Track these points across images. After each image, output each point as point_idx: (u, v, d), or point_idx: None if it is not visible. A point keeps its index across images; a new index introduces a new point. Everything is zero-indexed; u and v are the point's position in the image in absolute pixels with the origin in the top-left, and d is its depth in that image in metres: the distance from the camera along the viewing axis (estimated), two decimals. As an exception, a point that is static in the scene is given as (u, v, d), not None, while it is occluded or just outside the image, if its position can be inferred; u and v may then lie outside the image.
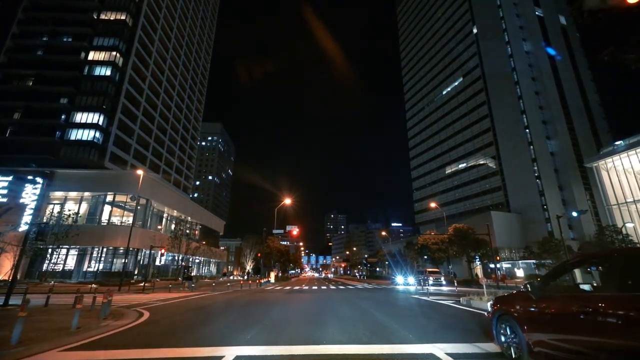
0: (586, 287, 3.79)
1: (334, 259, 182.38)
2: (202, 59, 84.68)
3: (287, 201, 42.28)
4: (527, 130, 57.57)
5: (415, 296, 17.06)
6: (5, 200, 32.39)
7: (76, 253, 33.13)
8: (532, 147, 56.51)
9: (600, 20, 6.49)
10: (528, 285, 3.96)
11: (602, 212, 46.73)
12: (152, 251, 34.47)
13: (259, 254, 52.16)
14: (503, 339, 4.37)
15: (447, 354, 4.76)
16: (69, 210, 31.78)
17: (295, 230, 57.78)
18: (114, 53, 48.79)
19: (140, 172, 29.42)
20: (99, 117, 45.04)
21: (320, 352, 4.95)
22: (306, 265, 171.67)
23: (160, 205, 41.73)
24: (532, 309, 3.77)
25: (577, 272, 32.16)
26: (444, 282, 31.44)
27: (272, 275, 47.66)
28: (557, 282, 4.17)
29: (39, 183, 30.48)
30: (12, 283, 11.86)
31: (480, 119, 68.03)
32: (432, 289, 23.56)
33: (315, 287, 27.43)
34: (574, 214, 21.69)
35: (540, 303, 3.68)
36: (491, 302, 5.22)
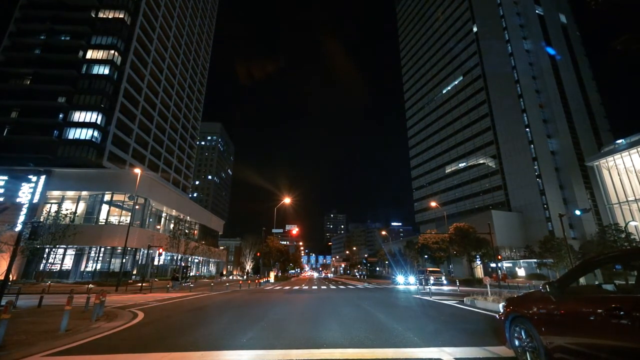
0: (609, 287, 3.50)
1: (333, 259, 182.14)
2: (201, 58, 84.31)
3: (287, 200, 41.99)
4: (528, 129, 57.32)
5: (417, 296, 16.78)
6: (1, 199, 32.15)
7: (74, 253, 32.79)
8: (532, 145, 56.27)
9: (615, 6, 6.21)
10: (547, 285, 3.67)
11: (603, 211, 46.55)
12: (150, 251, 34.15)
13: (258, 254, 51.86)
14: (517, 343, 4.07)
15: (456, 359, 4.48)
16: (67, 210, 31.54)
17: (294, 230, 57.38)
18: (113, 52, 48.43)
19: (138, 171, 29.06)
20: (97, 116, 44.68)
21: (321, 357, 4.65)
22: (306, 265, 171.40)
23: (159, 204, 41.40)
24: (552, 311, 3.47)
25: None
26: (445, 282, 31.20)
27: (272, 275, 47.40)
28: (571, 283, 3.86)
29: (33, 181, 30.16)
30: (3, 283, 11.54)
31: (480, 117, 67.78)
32: (433, 288, 23.30)
33: (315, 287, 27.16)
34: (577, 212, 21.39)
35: (562, 304, 3.38)
36: (503, 303, 4.93)
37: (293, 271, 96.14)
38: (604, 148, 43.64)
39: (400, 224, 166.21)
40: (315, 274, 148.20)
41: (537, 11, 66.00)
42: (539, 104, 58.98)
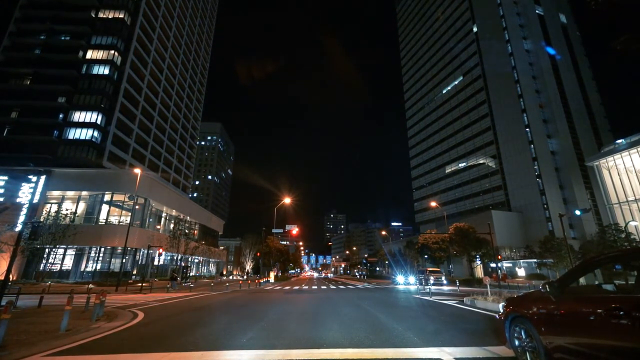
0: (609, 287, 3.50)
1: (333, 259, 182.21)
2: (201, 58, 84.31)
3: (287, 200, 41.98)
4: (528, 129, 57.32)
5: (417, 296, 16.78)
6: (2, 199, 32.15)
7: (74, 253, 32.79)
8: (532, 145, 56.27)
9: (615, 5, 6.21)
10: (547, 285, 3.67)
11: (603, 211, 46.56)
12: (150, 251, 34.15)
13: (258, 254, 51.87)
14: (517, 342, 4.08)
15: (456, 359, 4.48)
16: (67, 210, 31.52)
17: (294, 230, 57.36)
18: (113, 52, 48.44)
19: (138, 171, 29.06)
20: (97, 116, 44.68)
21: (321, 357, 4.66)
22: (306, 265, 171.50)
23: (159, 204, 41.40)
24: (552, 311, 3.47)
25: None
26: (445, 282, 31.20)
27: (272, 275, 47.40)
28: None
29: (33, 181, 30.15)
30: (4, 283, 11.53)
31: (480, 117, 67.78)
32: (433, 288, 23.30)
33: (315, 287, 27.16)
34: (577, 212, 21.39)
35: (561, 304, 3.38)
36: (503, 303, 4.93)
37: (293, 271, 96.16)
38: (604, 148, 43.63)
39: (400, 224, 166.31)
40: (315, 274, 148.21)
41: (537, 11, 66.00)
42: (539, 104, 58.97)
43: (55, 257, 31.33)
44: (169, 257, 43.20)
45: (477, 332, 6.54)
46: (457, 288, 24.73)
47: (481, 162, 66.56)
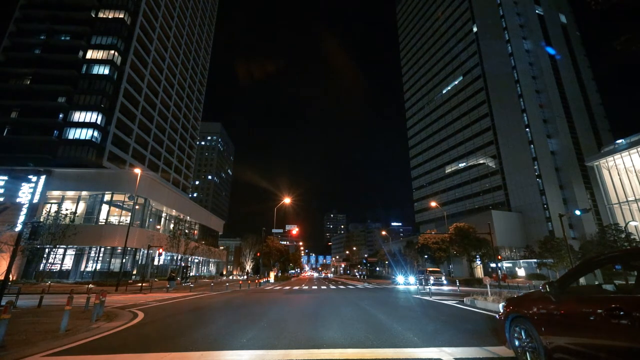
0: (609, 287, 3.50)
1: (333, 259, 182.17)
2: (201, 58, 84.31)
3: (287, 200, 41.98)
4: (528, 129, 57.34)
5: (417, 296, 16.78)
6: (2, 199, 32.14)
7: (74, 253, 32.78)
8: (532, 145, 56.30)
9: (615, 6, 6.21)
10: (547, 285, 3.67)
11: (603, 211, 46.56)
12: (150, 251, 34.14)
13: (258, 254, 51.86)
14: (517, 343, 4.08)
15: (456, 359, 4.48)
16: (67, 210, 31.51)
17: (294, 230, 57.37)
18: (112, 52, 48.45)
19: (137, 171, 29.06)
20: (97, 116, 44.70)
21: (321, 358, 4.65)
22: (306, 265, 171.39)
23: (159, 204, 41.37)
24: (552, 311, 3.47)
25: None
26: (445, 282, 31.19)
27: (272, 275, 47.40)
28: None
29: (33, 181, 30.15)
30: (3, 283, 11.53)
31: (480, 117, 67.80)
32: (433, 288, 23.30)
33: (315, 287, 27.16)
34: (577, 212, 21.39)
35: (561, 305, 3.38)
36: (503, 303, 4.93)
37: (293, 271, 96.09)
38: (604, 148, 43.64)
39: (400, 224, 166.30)
40: (315, 274, 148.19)
41: (537, 11, 66.02)
42: (539, 104, 58.98)
43: (55, 257, 31.31)
44: (169, 257, 43.18)
45: (477, 332, 6.54)
46: (457, 288, 24.72)
47: (481, 162, 66.57)
